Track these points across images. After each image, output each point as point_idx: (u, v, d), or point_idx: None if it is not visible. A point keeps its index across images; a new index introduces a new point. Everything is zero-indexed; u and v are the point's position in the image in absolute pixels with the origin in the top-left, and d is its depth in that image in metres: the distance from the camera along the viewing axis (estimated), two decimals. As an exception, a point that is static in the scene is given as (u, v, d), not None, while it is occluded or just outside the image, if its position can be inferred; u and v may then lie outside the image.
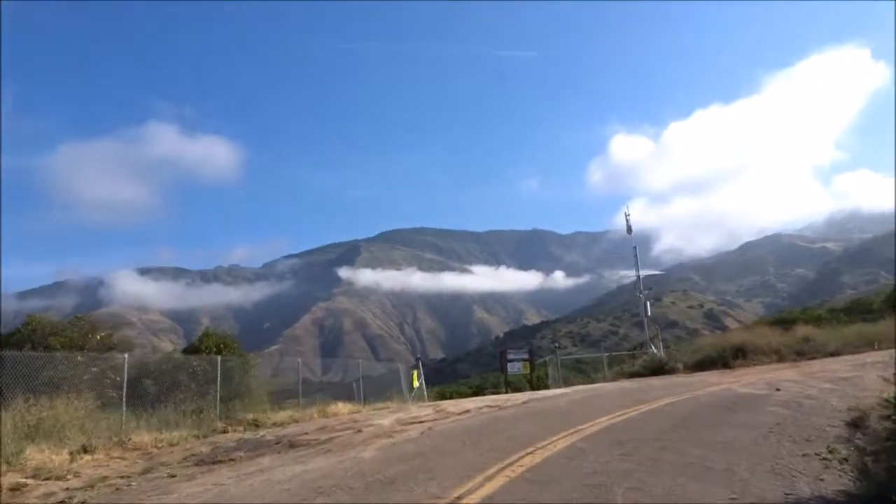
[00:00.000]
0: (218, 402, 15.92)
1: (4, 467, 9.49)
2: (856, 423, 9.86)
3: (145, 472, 9.79)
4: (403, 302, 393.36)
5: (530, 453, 8.38)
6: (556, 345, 35.32)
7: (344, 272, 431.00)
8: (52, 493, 8.39)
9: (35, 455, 10.16)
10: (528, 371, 27.58)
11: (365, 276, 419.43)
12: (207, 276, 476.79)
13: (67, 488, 8.70)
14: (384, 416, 14.88)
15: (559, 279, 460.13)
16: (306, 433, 12.85)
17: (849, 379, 14.79)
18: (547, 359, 30.25)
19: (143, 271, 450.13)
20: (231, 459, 10.41)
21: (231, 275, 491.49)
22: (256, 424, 15.22)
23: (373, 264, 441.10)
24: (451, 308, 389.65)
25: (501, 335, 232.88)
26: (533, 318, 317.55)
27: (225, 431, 14.60)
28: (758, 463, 7.44)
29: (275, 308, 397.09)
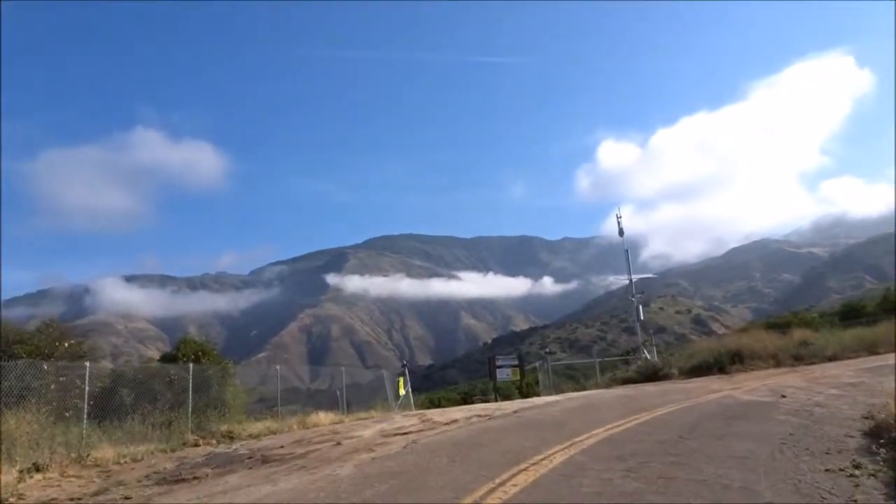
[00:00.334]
0: (190, 413, 14.94)
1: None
2: (874, 433, 9.14)
3: (98, 493, 8.84)
4: (391, 308, 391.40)
5: (524, 470, 7.55)
6: (547, 350, 34.50)
7: (332, 279, 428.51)
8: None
9: (-22, 475, 9.20)
10: (517, 378, 26.74)
11: (353, 283, 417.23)
12: (194, 284, 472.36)
13: (6, 514, 7.77)
14: (367, 427, 13.99)
15: (547, 285, 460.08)
16: (282, 446, 11.94)
17: (856, 385, 14.11)
18: (537, 365, 29.43)
19: (130, 279, 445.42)
20: (196, 478, 9.49)
21: (218, 282, 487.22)
22: (231, 437, 14.27)
23: (360, 271, 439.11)
24: (439, 314, 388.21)
25: (489, 341, 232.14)
26: (521, 325, 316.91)
27: (196, 445, 13.64)
28: (779, 480, 6.65)
29: (262, 315, 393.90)
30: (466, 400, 44.81)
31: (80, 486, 9.45)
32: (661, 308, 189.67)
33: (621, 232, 29.53)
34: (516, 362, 27.08)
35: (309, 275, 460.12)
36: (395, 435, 12.06)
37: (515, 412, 14.27)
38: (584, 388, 23.79)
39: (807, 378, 16.46)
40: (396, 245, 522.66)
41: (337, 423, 16.04)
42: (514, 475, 7.33)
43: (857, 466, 7.13)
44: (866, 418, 10.21)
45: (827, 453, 7.90)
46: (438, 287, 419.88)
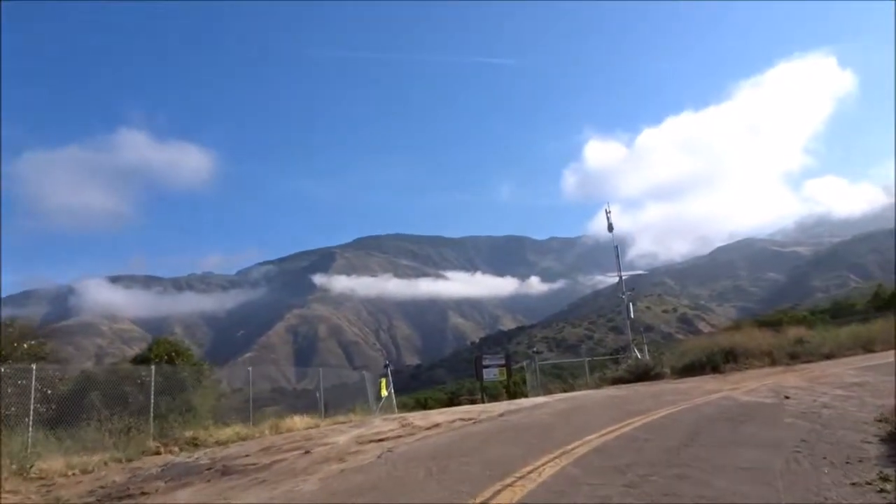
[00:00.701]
0: (152, 419, 13.87)
1: None
2: (894, 438, 8.33)
3: (28, 512, 7.84)
4: (379, 308, 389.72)
5: (510, 486, 6.62)
6: (534, 350, 33.68)
7: (319, 279, 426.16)
8: None
9: None
10: (504, 377, 25.85)
11: (340, 283, 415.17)
12: (180, 284, 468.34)
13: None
14: (342, 433, 13.02)
15: (535, 284, 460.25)
16: (247, 455, 10.96)
17: (861, 384, 13.34)
18: (524, 364, 28.56)
19: (114, 279, 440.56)
20: (144, 493, 8.50)
21: (204, 282, 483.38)
22: (195, 444, 13.24)
23: (348, 271, 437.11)
24: (426, 314, 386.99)
25: (477, 341, 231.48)
26: (508, 324, 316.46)
27: (157, 453, 12.61)
28: (803, 499, 5.78)
29: (249, 315, 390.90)
30: (453, 400, 43.96)
31: (13, 504, 8.44)
32: (647, 307, 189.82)
33: (611, 227, 28.71)
34: (503, 362, 26.20)
35: (296, 275, 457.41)
36: (371, 442, 11.10)
37: (501, 415, 13.35)
38: (572, 389, 22.93)
39: (807, 377, 15.69)
40: (384, 245, 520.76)
41: (312, 428, 15.04)
42: (498, 492, 6.41)
43: (885, 479, 6.29)
44: (880, 421, 9.42)
45: (847, 463, 7.05)
46: (426, 287, 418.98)
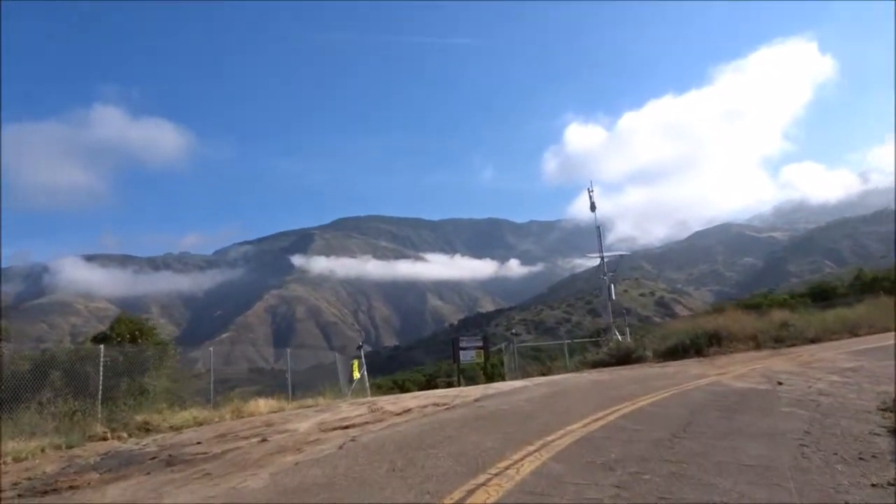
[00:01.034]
0: (100, 401, 12.81)
1: None
2: (903, 430, 7.63)
3: (-68, 511, 6.84)
4: (358, 289, 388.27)
5: (483, 485, 5.75)
6: (513, 332, 32.96)
7: (297, 259, 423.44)
8: None
9: None
10: (482, 360, 25.09)
11: (319, 264, 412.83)
12: (156, 264, 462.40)
13: None
14: (306, 418, 12.09)
15: (514, 267, 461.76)
16: (199, 443, 9.99)
17: (856, 370, 12.72)
18: (502, 346, 27.81)
19: (90, 258, 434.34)
20: (73, 486, 7.52)
21: (181, 262, 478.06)
22: (147, 429, 12.23)
23: (327, 252, 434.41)
24: (405, 296, 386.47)
25: (456, 323, 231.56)
26: (487, 306, 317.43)
27: (105, 438, 11.58)
28: (820, 502, 5.00)
29: (226, 296, 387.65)
30: (430, 382, 43.25)
31: (-79, 500, 7.42)
32: (625, 290, 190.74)
33: (593, 206, 27.88)
34: (481, 344, 25.41)
35: (274, 255, 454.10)
36: (336, 429, 10.19)
37: (477, 401, 12.50)
38: (550, 372, 22.18)
39: (797, 362, 15.06)
40: (363, 226, 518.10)
41: (276, 412, 14.09)
42: (470, 492, 5.55)
43: (908, 479, 5.55)
44: (884, 410, 8.74)
45: (861, 459, 6.31)
46: (405, 268, 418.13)
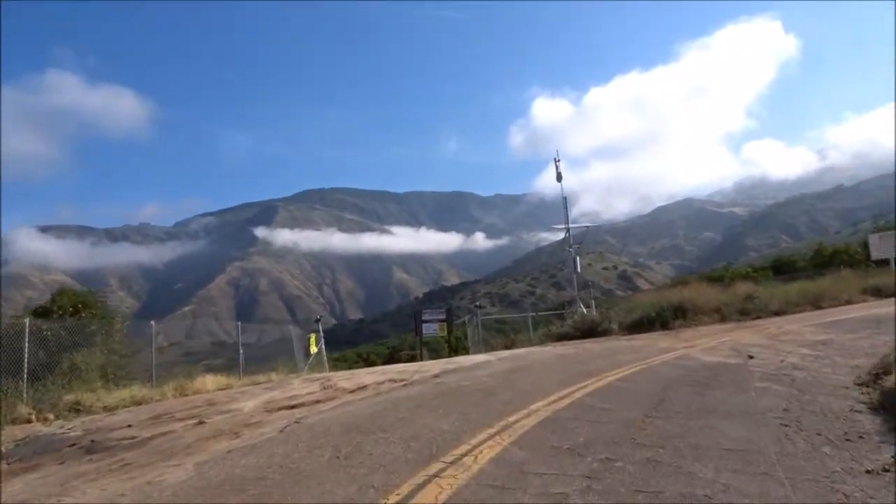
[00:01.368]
0: (25, 379, 11.76)
1: None
2: (885, 406, 7.16)
3: None
4: (322, 262, 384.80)
5: (436, 476, 5.05)
6: (477, 304, 32.44)
7: (261, 232, 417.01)
8: None
9: None
10: (445, 333, 24.48)
11: (282, 236, 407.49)
12: (115, 235, 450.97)
13: None
14: (253, 396, 11.27)
15: (479, 241, 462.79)
16: (130, 426, 9.11)
17: (826, 343, 12.38)
18: (466, 319, 27.24)
19: (45, 229, 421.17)
20: (-29, 480, 6.63)
21: (140, 233, 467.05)
22: (78, 410, 11.27)
23: (291, 224, 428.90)
24: (370, 269, 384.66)
25: (421, 296, 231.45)
26: (452, 279, 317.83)
27: (29, 421, 10.61)
28: (816, 494, 4.41)
29: (188, 268, 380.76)
30: (394, 356, 42.69)
31: None
32: (589, 264, 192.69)
33: (559, 177, 27.27)
34: (444, 317, 24.77)
35: (237, 227, 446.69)
36: (282, 409, 9.41)
37: (436, 376, 11.83)
38: (515, 345, 21.68)
39: (765, 335, 14.73)
40: (328, 198, 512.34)
41: (223, 389, 13.23)
42: (419, 486, 4.84)
43: (904, 464, 5.03)
44: (860, 385, 8.30)
45: (848, 440, 5.79)
46: (370, 241, 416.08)
